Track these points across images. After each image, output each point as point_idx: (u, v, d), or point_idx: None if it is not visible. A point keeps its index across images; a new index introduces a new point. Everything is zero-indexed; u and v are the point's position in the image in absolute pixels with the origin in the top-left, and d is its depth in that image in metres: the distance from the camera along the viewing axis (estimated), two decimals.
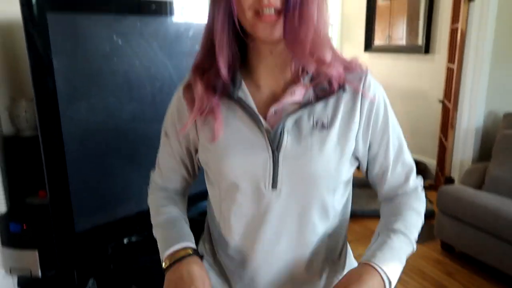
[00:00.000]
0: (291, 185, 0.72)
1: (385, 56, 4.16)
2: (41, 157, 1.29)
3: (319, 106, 0.72)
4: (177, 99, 0.80)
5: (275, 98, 0.74)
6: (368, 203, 3.15)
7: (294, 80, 0.74)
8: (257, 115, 0.72)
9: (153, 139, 1.53)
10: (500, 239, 2.19)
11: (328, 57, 0.70)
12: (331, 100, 0.73)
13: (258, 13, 0.66)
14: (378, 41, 4.27)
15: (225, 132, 0.73)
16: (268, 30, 0.66)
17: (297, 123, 0.72)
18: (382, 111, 0.76)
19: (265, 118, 0.72)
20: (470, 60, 3.05)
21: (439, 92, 3.63)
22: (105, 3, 1.36)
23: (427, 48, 3.74)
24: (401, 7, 3.96)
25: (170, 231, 0.80)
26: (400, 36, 4.03)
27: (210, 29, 0.71)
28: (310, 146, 0.71)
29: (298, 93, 0.72)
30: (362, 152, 0.77)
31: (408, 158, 0.81)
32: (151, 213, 0.87)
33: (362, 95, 0.73)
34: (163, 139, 0.86)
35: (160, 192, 0.89)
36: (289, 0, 0.64)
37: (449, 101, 3.30)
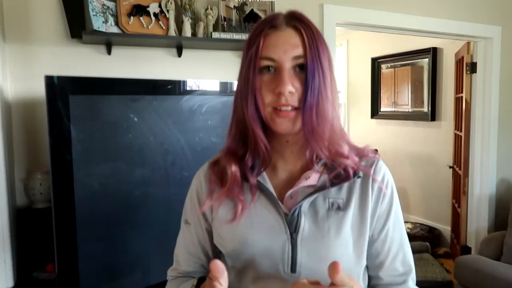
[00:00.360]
0: (310, 269, 0.71)
1: (391, 122, 4.23)
2: (51, 230, 1.30)
3: (333, 189, 0.74)
4: (197, 180, 0.83)
5: (291, 181, 0.76)
6: None
7: (309, 165, 0.76)
8: (276, 199, 0.73)
9: (163, 213, 1.56)
10: None
11: (345, 150, 0.75)
12: (345, 184, 0.75)
13: (276, 109, 0.71)
14: (384, 108, 4.37)
15: (245, 214, 0.74)
16: (286, 125, 0.71)
17: (313, 206, 0.73)
18: (388, 195, 0.77)
19: (281, 201, 0.74)
20: (477, 128, 3.09)
21: (447, 158, 3.64)
22: (123, 85, 1.44)
23: (433, 115, 3.81)
24: (405, 75, 4.11)
25: None
26: (406, 103, 4.13)
27: (240, 120, 0.76)
28: (327, 228, 0.72)
29: (313, 178, 0.74)
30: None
31: (409, 258, 0.79)
32: None
33: (372, 178, 0.75)
34: (183, 229, 0.85)
35: (176, 280, 0.86)
36: (307, 100, 0.69)
37: (459, 167, 3.29)
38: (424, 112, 3.91)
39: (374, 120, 4.41)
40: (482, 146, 3.09)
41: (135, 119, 1.44)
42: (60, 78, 1.26)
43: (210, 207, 0.78)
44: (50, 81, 1.24)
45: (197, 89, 1.63)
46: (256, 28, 0.73)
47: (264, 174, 0.76)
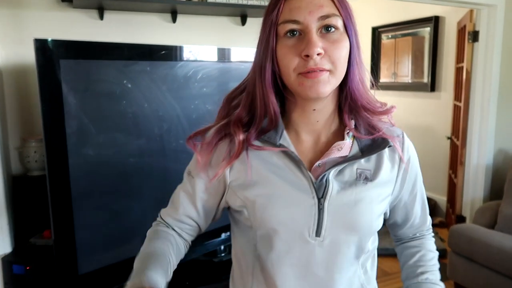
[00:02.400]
0: (334, 233, 0.73)
1: (391, 93, 4.20)
2: (47, 197, 1.30)
3: (363, 159, 0.76)
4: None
5: (317, 151, 0.76)
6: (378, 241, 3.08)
7: (337, 134, 0.77)
8: (301, 162, 0.73)
9: (158, 180, 1.55)
10: None
11: (380, 106, 0.78)
12: (374, 154, 0.76)
13: (303, 73, 0.67)
14: (383, 78, 4.33)
15: (268, 178, 0.74)
16: (316, 88, 0.67)
17: (341, 174, 0.74)
18: (415, 170, 0.83)
19: (309, 169, 0.74)
20: (477, 99, 3.07)
21: (446, 129, 3.63)
22: (116, 50, 1.40)
23: (432, 86, 3.78)
24: (406, 45, 4.04)
25: (142, 263, 0.72)
26: (406, 74, 4.08)
27: (251, 90, 0.75)
28: (355, 196, 0.73)
29: (345, 149, 0.74)
30: (391, 204, 0.83)
31: (427, 209, 0.90)
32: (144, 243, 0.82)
33: (400, 158, 0.79)
34: (185, 180, 0.83)
35: (162, 227, 0.84)
36: (352, 57, 0.70)
37: (457, 138, 3.29)
38: (424, 83, 3.87)
39: (373, 91, 4.36)
40: (481, 117, 3.07)
41: (129, 85, 1.41)
42: (50, 41, 1.22)
43: (228, 172, 0.76)
44: (40, 44, 1.20)
45: (193, 55, 1.60)
46: None
47: (288, 138, 0.75)
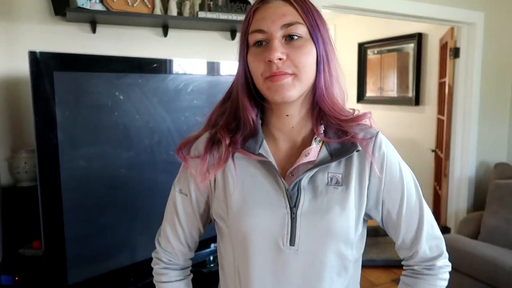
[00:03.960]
0: (308, 242, 0.73)
1: (377, 107, 4.29)
2: (37, 208, 1.31)
3: (333, 164, 0.76)
4: (196, 151, 0.83)
5: (292, 157, 0.78)
6: (365, 252, 3.12)
7: (309, 139, 0.78)
8: (278, 172, 0.75)
9: (150, 192, 1.57)
10: None
11: (349, 113, 0.78)
12: (344, 158, 0.76)
13: (269, 77, 0.72)
14: (370, 93, 4.42)
15: (245, 187, 0.76)
16: (281, 91, 0.71)
17: (313, 180, 0.75)
18: (394, 167, 0.78)
19: (283, 176, 0.76)
20: (459, 112, 3.16)
21: (430, 142, 3.72)
22: (109, 62, 1.44)
23: (417, 100, 3.88)
24: (391, 61, 4.15)
25: None
26: (391, 88, 4.18)
27: (235, 95, 0.79)
28: (326, 202, 0.74)
29: (312, 154, 0.75)
30: (374, 211, 0.80)
31: (436, 230, 0.83)
32: None
33: (372, 155, 0.76)
34: (178, 198, 0.85)
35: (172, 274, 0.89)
36: (319, 57, 0.72)
37: (441, 151, 3.37)
38: (408, 97, 3.97)
39: (360, 105, 4.46)
40: (463, 130, 3.16)
41: (121, 97, 1.44)
42: (44, 53, 1.25)
43: (210, 179, 0.79)
44: (34, 56, 1.23)
45: (183, 68, 1.64)
46: (249, 7, 0.76)
47: (267, 147, 0.77)
